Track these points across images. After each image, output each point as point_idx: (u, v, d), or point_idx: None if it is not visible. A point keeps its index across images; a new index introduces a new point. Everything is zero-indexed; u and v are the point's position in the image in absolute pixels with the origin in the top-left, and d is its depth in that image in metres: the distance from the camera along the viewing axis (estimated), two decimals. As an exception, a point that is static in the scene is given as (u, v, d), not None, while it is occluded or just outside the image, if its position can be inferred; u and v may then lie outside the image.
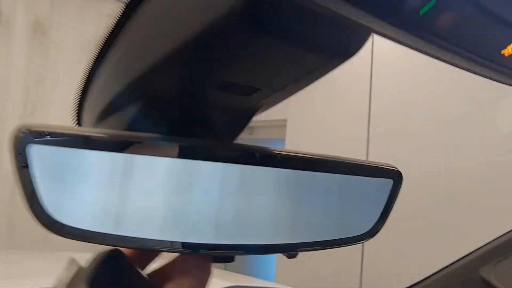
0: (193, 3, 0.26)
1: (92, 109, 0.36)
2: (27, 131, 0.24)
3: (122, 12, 0.29)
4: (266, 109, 0.36)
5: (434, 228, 1.91)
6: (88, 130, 0.31)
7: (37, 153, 0.24)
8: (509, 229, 0.93)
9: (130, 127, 0.32)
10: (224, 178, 0.30)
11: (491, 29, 0.23)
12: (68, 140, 0.25)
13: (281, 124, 3.20)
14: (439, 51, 0.24)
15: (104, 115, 0.35)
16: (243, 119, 0.35)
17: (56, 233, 0.26)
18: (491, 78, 0.29)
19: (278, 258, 2.84)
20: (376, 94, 2.29)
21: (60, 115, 2.94)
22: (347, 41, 0.30)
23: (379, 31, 0.22)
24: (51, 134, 0.25)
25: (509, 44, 0.24)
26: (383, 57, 2.24)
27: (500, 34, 0.23)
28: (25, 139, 0.24)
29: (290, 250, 0.33)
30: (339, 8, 0.20)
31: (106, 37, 0.31)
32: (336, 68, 0.33)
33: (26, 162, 0.24)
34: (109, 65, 0.33)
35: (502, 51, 0.24)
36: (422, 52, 0.25)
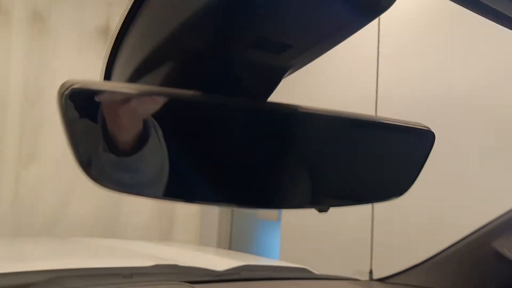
0: None
1: (123, 70, 0.36)
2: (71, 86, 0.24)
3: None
4: (296, 69, 0.36)
5: (444, 205, 1.92)
6: (128, 85, 0.31)
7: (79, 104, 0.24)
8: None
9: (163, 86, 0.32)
10: (266, 138, 0.30)
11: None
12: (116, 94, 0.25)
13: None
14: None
15: (137, 75, 0.35)
16: (274, 78, 0.34)
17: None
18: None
19: (282, 238, 2.87)
20: (383, 75, 2.28)
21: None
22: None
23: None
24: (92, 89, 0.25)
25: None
26: (389, 38, 2.24)
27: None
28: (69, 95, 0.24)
29: (325, 204, 0.34)
30: None
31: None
32: (366, 25, 0.32)
33: (71, 113, 0.24)
34: (142, 24, 0.33)
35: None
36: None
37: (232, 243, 3.82)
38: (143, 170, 0.27)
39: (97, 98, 0.25)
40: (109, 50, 0.36)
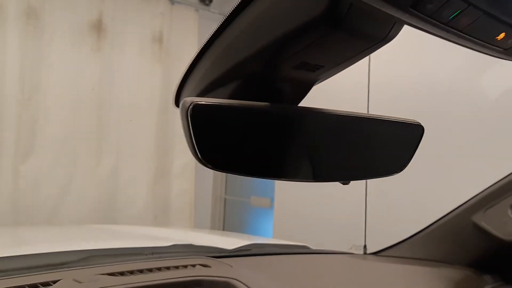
0: (291, 10, 0.38)
1: (195, 87, 0.49)
2: (194, 102, 0.36)
3: (227, 15, 0.41)
4: (323, 80, 0.49)
5: (433, 185, 2.09)
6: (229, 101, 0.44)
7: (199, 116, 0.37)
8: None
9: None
10: (306, 133, 0.44)
11: (489, 24, 0.36)
12: (218, 107, 0.38)
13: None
14: (457, 39, 0.37)
15: (207, 91, 0.47)
16: (307, 88, 0.48)
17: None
18: (488, 54, 0.42)
19: (275, 225, 3.00)
20: (375, 68, 2.42)
21: (58, 99, 3.01)
22: (386, 32, 0.43)
23: (413, 26, 0.35)
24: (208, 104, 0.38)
25: (499, 34, 0.37)
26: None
27: (493, 29, 0.36)
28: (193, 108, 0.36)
29: (347, 179, 0.48)
30: (389, 10, 0.32)
31: (213, 33, 0.43)
32: (376, 50, 0.45)
33: (191, 122, 0.36)
34: (215, 53, 0.45)
35: (496, 37, 0.37)
36: (442, 38, 0.38)
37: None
38: (243, 156, 0.40)
39: (214, 111, 0.37)
40: (184, 72, 0.49)
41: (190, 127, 0.36)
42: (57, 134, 3.00)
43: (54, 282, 0.80)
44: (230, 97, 0.45)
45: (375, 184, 2.30)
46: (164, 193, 3.49)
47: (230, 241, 1.34)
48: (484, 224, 1.07)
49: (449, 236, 1.18)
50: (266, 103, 0.43)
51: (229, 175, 4.16)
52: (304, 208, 2.71)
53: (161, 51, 3.43)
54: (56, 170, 2.98)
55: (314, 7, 0.37)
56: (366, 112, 0.48)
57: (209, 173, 4.02)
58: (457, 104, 2.07)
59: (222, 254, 1.13)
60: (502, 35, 0.38)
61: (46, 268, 0.90)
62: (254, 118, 0.42)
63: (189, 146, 0.37)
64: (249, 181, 3.95)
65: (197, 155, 0.37)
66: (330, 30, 0.38)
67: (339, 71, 0.48)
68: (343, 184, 0.48)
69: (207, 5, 3.73)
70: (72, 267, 0.92)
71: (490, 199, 1.07)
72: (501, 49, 0.40)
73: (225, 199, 4.19)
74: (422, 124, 0.50)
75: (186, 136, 0.37)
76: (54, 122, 2.99)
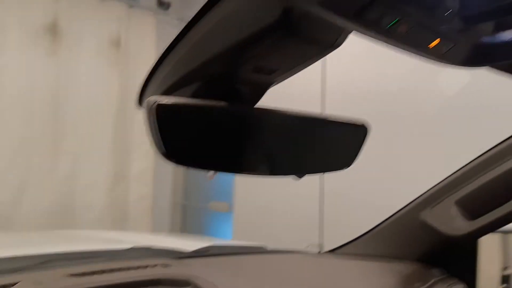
0: (249, 17, 0.41)
1: (157, 88, 0.51)
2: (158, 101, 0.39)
3: (190, 19, 0.45)
4: (278, 83, 0.53)
5: (385, 183, 2.18)
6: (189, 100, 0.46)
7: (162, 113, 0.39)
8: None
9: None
10: (262, 131, 0.47)
11: (424, 32, 0.40)
12: (180, 106, 0.41)
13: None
14: (398, 46, 0.41)
15: (171, 91, 0.50)
16: (263, 90, 0.51)
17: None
18: (429, 59, 0.47)
19: (234, 228, 3.04)
20: (329, 73, 2.51)
21: (11, 102, 2.94)
22: (334, 38, 0.47)
23: (357, 32, 0.39)
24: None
25: (433, 41, 0.42)
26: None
27: (428, 36, 0.41)
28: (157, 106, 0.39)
29: (299, 174, 0.51)
30: (335, 19, 0.36)
31: (177, 35, 0.46)
32: (326, 55, 0.50)
33: (156, 119, 0.39)
34: (178, 56, 0.48)
35: (429, 45, 0.42)
36: (384, 45, 0.43)
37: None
38: (205, 152, 0.43)
39: (177, 109, 0.40)
40: (148, 72, 0.51)
41: (154, 124, 0.39)
42: (10, 138, 2.93)
43: (13, 284, 0.80)
44: (193, 96, 0.48)
45: (330, 184, 2.39)
46: (123, 198, 3.45)
47: (189, 243, 1.36)
48: (430, 221, 1.13)
49: (399, 233, 1.24)
50: (225, 103, 0.46)
51: (188, 179, 4.18)
52: (263, 211, 2.76)
53: (118, 55, 3.40)
54: (10, 174, 2.90)
55: (270, 15, 0.40)
56: (318, 112, 0.52)
57: (168, 178, 4.01)
58: (406, 106, 2.18)
59: (182, 256, 1.15)
60: (436, 42, 0.43)
61: (3, 272, 0.89)
62: (214, 117, 0.45)
63: (152, 143, 0.40)
64: (208, 186, 3.97)
65: (161, 151, 0.40)
66: (284, 36, 0.42)
67: (293, 74, 0.52)
68: (297, 177, 0.52)
69: (165, 9, 3.73)
70: (32, 271, 0.91)
71: (436, 197, 1.14)
72: (437, 54, 0.45)
73: (184, 205, 4.18)
74: (367, 125, 0.55)
75: (150, 133, 0.40)
76: (7, 126, 2.92)
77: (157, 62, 0.50)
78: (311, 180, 2.61)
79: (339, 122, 0.53)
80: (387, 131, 2.18)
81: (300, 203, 2.52)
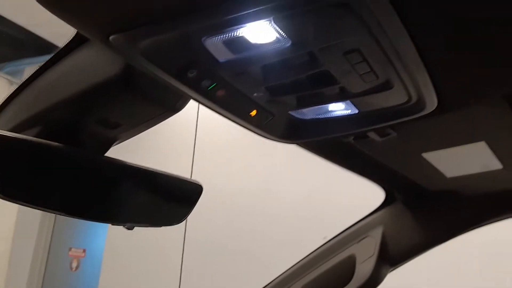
0: (92, 70, 0.47)
1: (4, 125, 0.53)
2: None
3: (39, 67, 0.49)
4: (125, 139, 0.57)
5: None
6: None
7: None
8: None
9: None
10: (99, 177, 0.50)
11: (242, 100, 0.48)
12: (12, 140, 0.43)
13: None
14: (220, 110, 0.49)
15: (17, 130, 0.51)
16: (108, 143, 0.55)
17: None
18: (247, 128, 0.55)
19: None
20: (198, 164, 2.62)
21: None
22: (174, 101, 0.53)
23: (185, 93, 0.46)
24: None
25: (251, 111, 0.50)
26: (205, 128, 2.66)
27: (245, 105, 0.49)
28: None
29: (132, 224, 0.54)
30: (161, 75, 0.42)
31: (26, 80, 0.50)
32: (168, 118, 0.56)
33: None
34: (24, 99, 0.51)
35: (249, 113, 0.50)
36: (211, 109, 0.50)
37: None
38: (36, 189, 0.45)
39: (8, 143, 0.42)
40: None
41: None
42: None
43: None
44: (37, 137, 0.50)
45: (192, 234, 2.53)
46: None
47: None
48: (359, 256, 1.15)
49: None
50: (64, 146, 0.49)
51: (48, 268, 3.88)
52: (128, 263, 2.75)
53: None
54: None
55: (112, 70, 0.46)
56: (157, 169, 0.57)
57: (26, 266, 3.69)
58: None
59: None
60: (254, 112, 0.51)
61: None
62: (47, 156, 0.47)
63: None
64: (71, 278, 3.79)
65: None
66: (126, 92, 0.47)
67: (138, 133, 0.57)
68: (127, 229, 0.54)
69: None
70: None
71: (285, 282, 1.20)
72: (257, 125, 0.53)
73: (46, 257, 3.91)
74: (201, 184, 0.60)
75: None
76: None
77: (3, 103, 0.52)
78: (174, 231, 2.73)
79: (176, 178, 0.57)
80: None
81: (163, 251, 2.65)
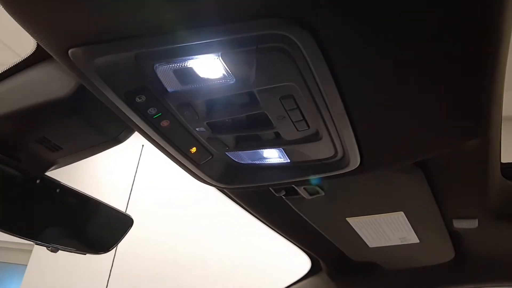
0: (39, 89, 0.49)
1: None
2: None
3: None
4: (63, 164, 0.58)
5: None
6: None
7: None
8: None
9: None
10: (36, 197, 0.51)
11: (184, 134, 0.51)
12: None
13: (27, 249, 3.11)
14: (163, 143, 0.51)
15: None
16: (46, 165, 0.56)
17: None
18: (184, 167, 0.57)
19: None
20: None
21: None
22: (117, 132, 0.56)
23: (131, 127, 0.48)
24: None
25: (192, 147, 0.53)
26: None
27: (187, 140, 0.52)
28: None
29: (58, 246, 0.54)
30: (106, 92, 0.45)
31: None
32: (109, 148, 0.58)
33: None
34: None
35: (190, 149, 0.53)
36: (154, 144, 0.53)
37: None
38: None
39: None
40: None
41: None
42: None
43: None
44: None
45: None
46: None
47: None
48: None
49: None
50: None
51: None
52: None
53: None
54: None
55: (63, 90, 0.48)
56: (89, 195, 0.58)
57: None
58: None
59: None
60: (194, 149, 0.54)
61: None
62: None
63: None
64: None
65: None
66: (71, 114, 0.50)
67: (78, 160, 0.58)
68: (51, 251, 0.54)
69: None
70: None
71: None
72: (196, 163, 0.56)
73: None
74: (132, 218, 0.61)
75: None
76: None
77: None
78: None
79: (109, 207, 0.58)
80: None
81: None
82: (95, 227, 0.58)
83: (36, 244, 0.52)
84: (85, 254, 0.56)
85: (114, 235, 0.59)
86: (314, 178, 0.59)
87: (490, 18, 0.37)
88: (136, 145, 2.85)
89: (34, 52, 0.49)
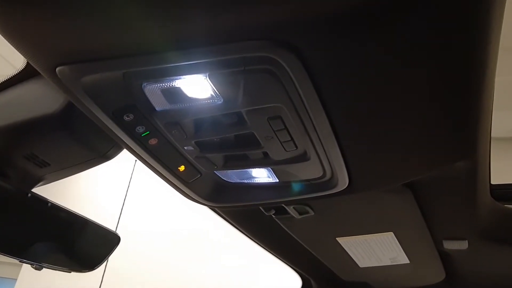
0: (28, 105, 0.49)
1: None
2: None
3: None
4: (49, 182, 0.58)
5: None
6: None
7: None
8: None
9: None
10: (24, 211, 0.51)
11: (172, 153, 0.51)
12: None
13: (17, 263, 3.09)
14: (151, 161, 0.51)
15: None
16: (34, 181, 0.56)
17: None
18: (173, 185, 0.57)
19: None
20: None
21: None
22: (105, 148, 0.56)
23: (119, 144, 0.48)
24: None
25: (180, 166, 0.53)
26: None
27: (175, 158, 0.52)
28: None
29: (40, 264, 0.53)
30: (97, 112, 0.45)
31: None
32: (97, 165, 0.57)
33: None
34: None
35: (178, 168, 0.53)
36: (143, 161, 0.52)
37: None
38: None
39: None
40: None
41: None
42: None
43: None
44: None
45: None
46: None
47: None
48: None
49: None
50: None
51: None
52: None
53: None
54: None
55: (51, 106, 0.48)
56: (77, 213, 0.57)
57: None
58: None
59: None
60: (182, 167, 0.54)
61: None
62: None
63: None
64: None
65: None
66: (59, 130, 0.50)
67: (65, 176, 0.58)
68: (35, 269, 0.53)
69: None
70: None
71: None
72: (184, 181, 0.56)
73: None
74: (119, 236, 0.61)
75: None
76: None
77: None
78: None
79: (96, 225, 0.58)
80: None
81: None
82: (81, 245, 0.58)
83: (20, 261, 0.51)
84: (70, 272, 0.56)
85: (100, 253, 0.59)
86: (302, 198, 0.59)
87: (474, 43, 0.37)
88: (130, 157, 2.85)
89: (24, 69, 0.49)
